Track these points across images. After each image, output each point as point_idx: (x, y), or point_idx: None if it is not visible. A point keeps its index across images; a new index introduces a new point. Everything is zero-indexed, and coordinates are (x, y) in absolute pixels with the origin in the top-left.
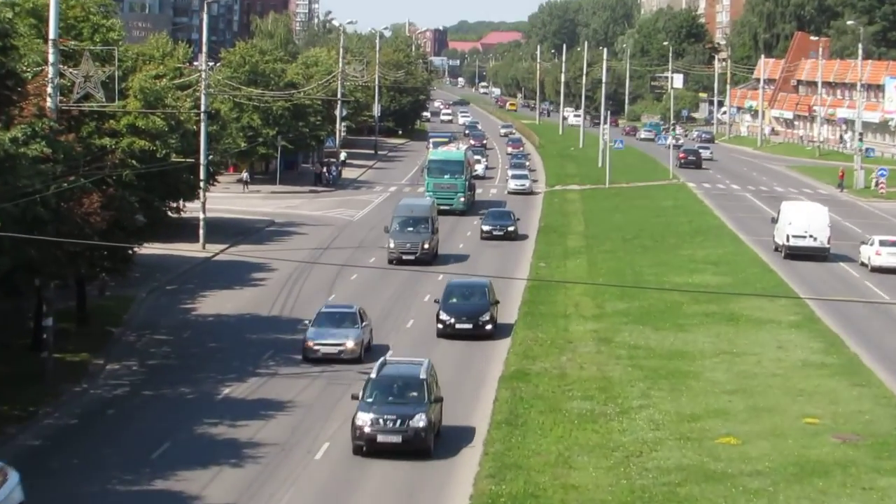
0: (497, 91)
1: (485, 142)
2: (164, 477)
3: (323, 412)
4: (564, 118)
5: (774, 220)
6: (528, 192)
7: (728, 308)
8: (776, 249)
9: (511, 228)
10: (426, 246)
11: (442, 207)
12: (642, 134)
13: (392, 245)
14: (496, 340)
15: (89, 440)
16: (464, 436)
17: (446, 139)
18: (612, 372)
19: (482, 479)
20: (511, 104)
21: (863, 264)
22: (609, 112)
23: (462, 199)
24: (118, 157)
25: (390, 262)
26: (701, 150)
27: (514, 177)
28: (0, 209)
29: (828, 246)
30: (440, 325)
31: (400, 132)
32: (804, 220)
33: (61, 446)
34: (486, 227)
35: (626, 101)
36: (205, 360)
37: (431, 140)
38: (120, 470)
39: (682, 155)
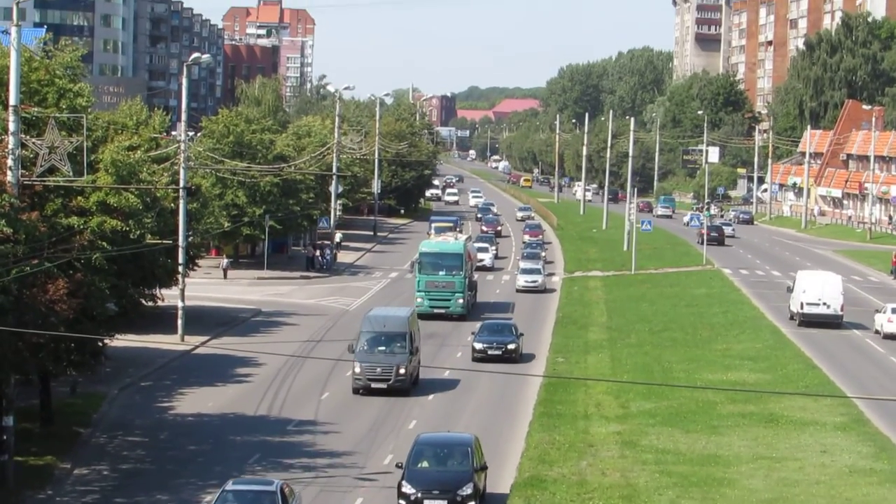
0: (504, 164)
1: (499, 228)
2: None
3: None
4: (586, 192)
5: (790, 290)
6: (541, 290)
7: (767, 408)
8: (791, 318)
9: (512, 347)
10: (402, 371)
11: (436, 311)
12: (659, 210)
13: (357, 370)
14: (507, 443)
15: None
16: None
17: (451, 224)
18: (637, 479)
19: None
20: (525, 180)
21: (876, 332)
22: (636, 189)
23: (461, 301)
24: (87, 239)
25: (356, 391)
26: (724, 227)
27: (525, 271)
28: None
29: (841, 313)
30: (402, 503)
31: (402, 211)
32: (818, 288)
33: None
34: (478, 345)
35: (656, 176)
36: (184, 465)
37: (433, 225)
38: None
39: (704, 231)
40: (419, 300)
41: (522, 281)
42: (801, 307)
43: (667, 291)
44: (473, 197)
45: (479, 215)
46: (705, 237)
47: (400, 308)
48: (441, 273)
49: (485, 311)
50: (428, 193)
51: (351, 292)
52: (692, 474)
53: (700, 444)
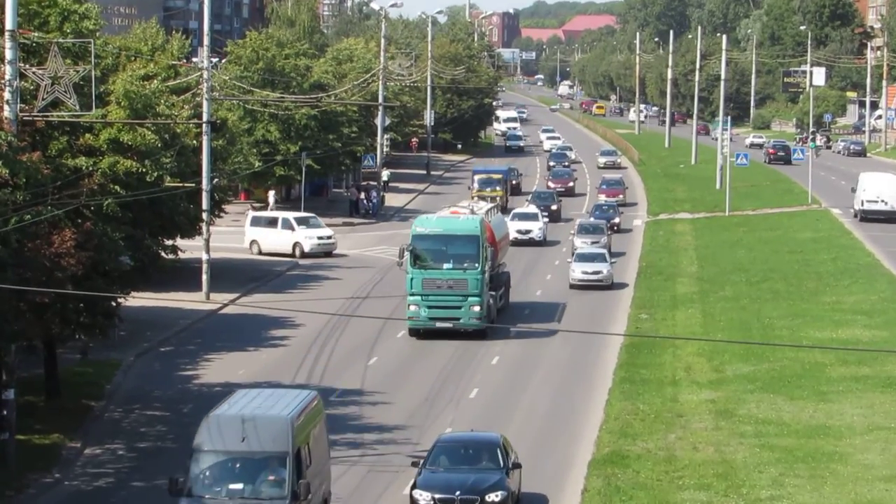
0: (567, 89)
1: (571, 184)
2: None
3: None
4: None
5: (853, 190)
6: (607, 286)
7: (884, 370)
8: (854, 216)
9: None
10: (475, 309)
11: (440, 326)
12: (750, 139)
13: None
14: (584, 414)
15: None
16: None
17: (499, 175)
18: (734, 454)
19: None
20: (598, 107)
21: None
22: (729, 117)
23: (477, 309)
24: (97, 182)
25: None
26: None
27: (582, 258)
28: None
29: None
30: None
31: (459, 146)
32: (877, 187)
33: None
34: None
35: (752, 102)
36: None
37: (476, 177)
38: None
39: (770, 150)
40: (413, 309)
41: (579, 272)
42: (862, 205)
43: (766, 236)
44: (547, 138)
45: (550, 163)
46: (770, 157)
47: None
48: (446, 266)
49: (518, 316)
50: (498, 131)
51: (401, 241)
52: (798, 448)
53: (807, 414)
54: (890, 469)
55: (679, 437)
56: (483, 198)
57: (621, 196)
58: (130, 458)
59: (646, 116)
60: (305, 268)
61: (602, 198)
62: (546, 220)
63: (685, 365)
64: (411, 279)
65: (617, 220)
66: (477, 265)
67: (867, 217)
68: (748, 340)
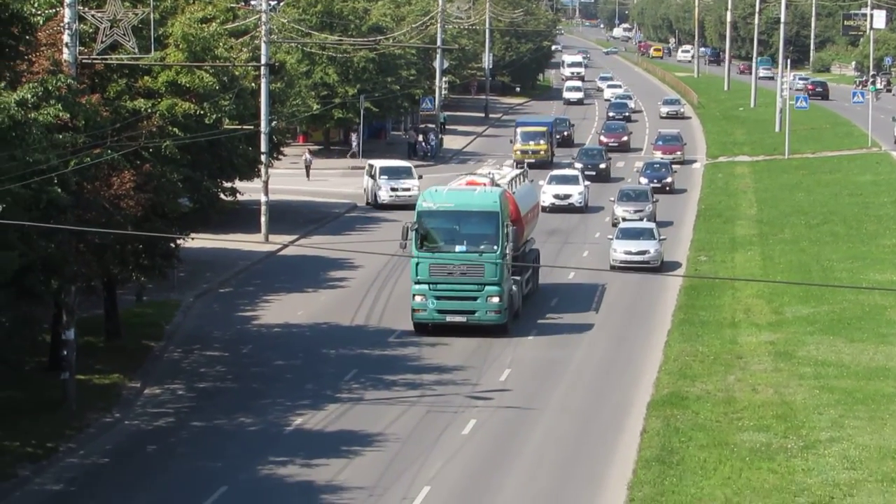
0: (620, 32)
1: (625, 138)
2: None
3: (421, 448)
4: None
5: None
6: (650, 267)
7: None
8: None
9: None
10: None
11: (450, 320)
12: (798, 83)
13: None
14: (643, 356)
15: (123, 484)
16: (604, 478)
17: (543, 128)
18: (793, 395)
19: None
20: (656, 49)
21: None
22: (789, 60)
23: (496, 301)
24: (156, 125)
25: None
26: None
27: (626, 234)
28: (6, 192)
29: None
30: None
31: (518, 89)
32: None
33: (88, 492)
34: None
35: (812, 45)
36: (270, 382)
37: (519, 130)
38: None
39: (810, 87)
40: (418, 300)
41: (621, 251)
42: None
43: (826, 179)
44: (608, 86)
45: (610, 113)
46: (810, 93)
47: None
48: (459, 249)
49: (542, 309)
50: (563, 75)
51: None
52: (857, 390)
53: (866, 356)
54: None
55: (738, 379)
56: (525, 152)
57: (679, 153)
58: (190, 399)
59: (693, 56)
60: (363, 210)
61: (658, 155)
62: (587, 184)
63: (744, 307)
64: (416, 264)
65: (669, 179)
66: (496, 247)
67: None
68: (808, 282)
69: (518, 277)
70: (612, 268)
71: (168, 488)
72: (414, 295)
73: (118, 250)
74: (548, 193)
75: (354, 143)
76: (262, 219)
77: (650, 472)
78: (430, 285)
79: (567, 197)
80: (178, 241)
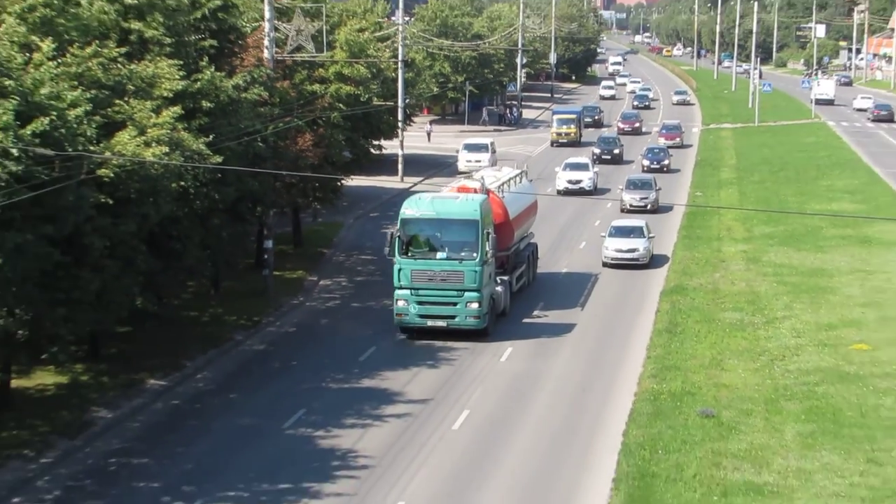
0: (639, 38)
1: (638, 124)
2: (371, 377)
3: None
4: (719, 62)
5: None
6: (639, 264)
7: (862, 232)
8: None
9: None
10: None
11: (431, 325)
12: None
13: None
14: (658, 259)
15: (306, 345)
16: (630, 341)
17: (573, 116)
18: (759, 287)
19: (645, 379)
20: (667, 50)
21: None
22: (759, 58)
23: (475, 307)
24: (327, 101)
25: None
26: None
27: (617, 232)
28: (226, 147)
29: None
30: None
31: (573, 77)
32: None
33: (282, 350)
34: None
35: (774, 49)
36: None
37: (555, 117)
38: (332, 370)
39: (875, 111)
40: (401, 304)
41: (612, 249)
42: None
43: (783, 139)
44: (630, 81)
45: (634, 103)
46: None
47: None
48: (439, 256)
49: (530, 304)
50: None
51: (533, 142)
52: (802, 283)
53: (809, 260)
54: (865, 298)
55: (722, 276)
56: (560, 133)
57: (678, 139)
58: (350, 287)
59: (681, 53)
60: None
61: (661, 141)
62: (596, 171)
63: (726, 227)
64: (399, 270)
65: (667, 161)
66: (476, 255)
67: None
68: (770, 209)
69: (506, 277)
70: (604, 265)
71: (336, 348)
72: (396, 300)
73: (301, 187)
74: (562, 179)
75: (429, 127)
76: (399, 165)
77: (661, 339)
78: (412, 291)
79: (578, 182)
80: (342, 181)
